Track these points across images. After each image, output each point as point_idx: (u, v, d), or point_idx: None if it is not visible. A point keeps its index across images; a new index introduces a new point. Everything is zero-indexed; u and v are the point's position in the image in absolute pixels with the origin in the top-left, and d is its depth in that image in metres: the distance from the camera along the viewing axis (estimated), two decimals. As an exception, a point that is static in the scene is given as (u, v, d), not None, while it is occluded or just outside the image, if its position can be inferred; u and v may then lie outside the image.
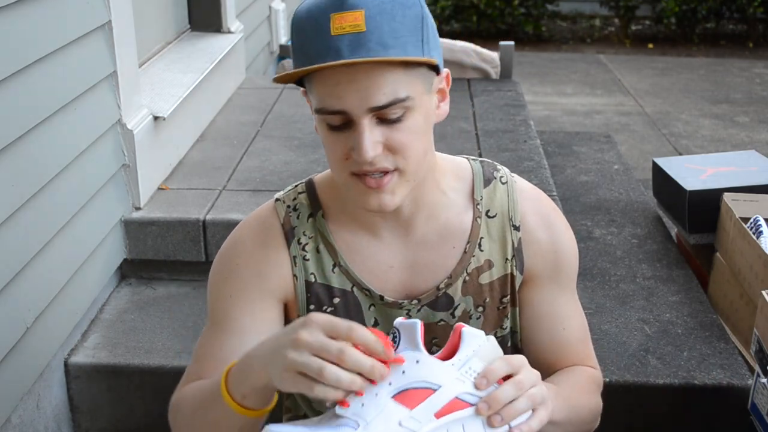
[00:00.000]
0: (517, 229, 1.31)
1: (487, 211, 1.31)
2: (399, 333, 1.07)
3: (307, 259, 1.29)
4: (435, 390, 1.05)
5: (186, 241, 2.58)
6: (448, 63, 4.08)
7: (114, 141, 2.48)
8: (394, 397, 1.04)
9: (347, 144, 1.15)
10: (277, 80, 1.18)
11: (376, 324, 1.30)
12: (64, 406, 2.25)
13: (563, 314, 1.35)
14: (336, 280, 1.29)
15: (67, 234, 2.19)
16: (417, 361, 1.05)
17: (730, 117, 5.81)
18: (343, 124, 1.14)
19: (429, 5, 8.39)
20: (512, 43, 4.26)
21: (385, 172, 1.16)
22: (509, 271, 1.31)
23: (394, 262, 1.30)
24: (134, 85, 2.62)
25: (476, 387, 1.06)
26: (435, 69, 1.19)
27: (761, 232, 2.45)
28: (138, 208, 2.61)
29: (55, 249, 2.13)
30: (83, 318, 2.34)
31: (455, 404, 1.05)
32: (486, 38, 8.08)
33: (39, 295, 2.05)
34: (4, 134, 1.88)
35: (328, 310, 1.29)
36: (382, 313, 1.30)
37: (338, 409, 1.04)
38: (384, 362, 1.03)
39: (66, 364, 2.23)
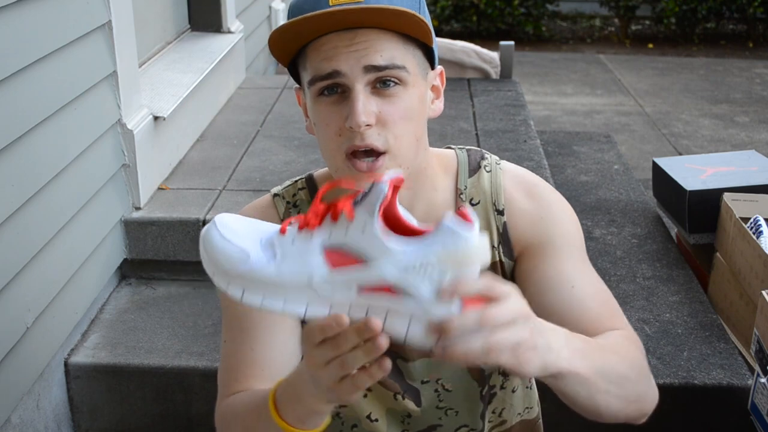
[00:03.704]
0: (501, 213, 1.27)
1: (471, 199, 1.28)
2: (369, 191, 0.93)
3: None
4: (365, 262, 0.92)
5: (186, 241, 2.58)
6: (448, 63, 4.08)
7: (114, 141, 2.48)
8: (326, 250, 0.93)
9: (341, 116, 1.12)
10: (273, 45, 1.14)
11: None
12: (64, 406, 2.25)
13: (568, 274, 1.23)
14: None
15: (67, 234, 2.19)
16: (362, 231, 0.92)
17: (730, 117, 5.82)
18: (335, 91, 1.13)
19: (429, 5, 8.39)
20: (512, 43, 4.26)
21: (377, 155, 1.13)
22: (497, 258, 1.27)
23: None
24: (134, 85, 2.62)
25: (438, 294, 0.89)
26: (430, 59, 1.19)
27: (761, 232, 2.45)
28: (138, 208, 2.61)
29: (55, 249, 2.13)
30: (83, 318, 2.34)
31: (386, 288, 0.92)
32: (486, 38, 8.08)
33: (39, 295, 2.05)
34: (4, 134, 1.88)
35: None
36: None
37: (276, 235, 0.97)
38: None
39: (66, 364, 2.23)
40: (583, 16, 9.37)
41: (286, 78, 4.12)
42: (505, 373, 1.34)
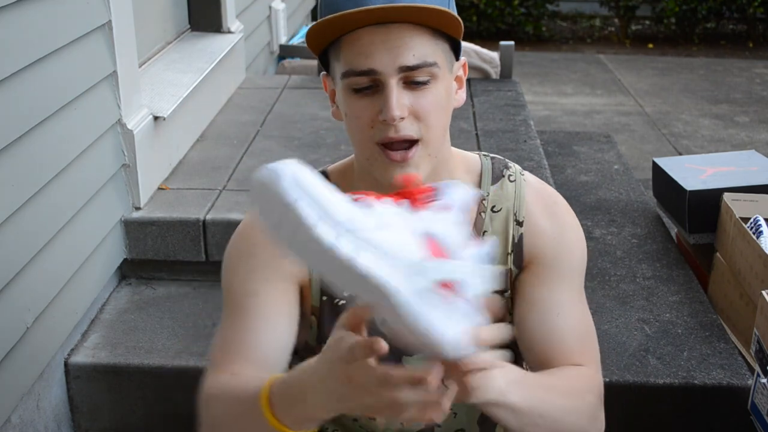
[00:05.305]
0: (520, 224, 1.31)
1: (493, 206, 1.32)
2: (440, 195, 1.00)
3: None
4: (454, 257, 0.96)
5: (186, 241, 2.58)
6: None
7: (114, 141, 2.48)
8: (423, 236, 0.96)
9: (374, 109, 1.17)
10: (309, 38, 1.18)
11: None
12: (64, 406, 2.25)
13: (559, 302, 1.29)
14: None
15: (67, 234, 2.19)
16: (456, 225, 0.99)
17: (730, 117, 5.82)
18: (369, 87, 1.17)
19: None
20: (512, 43, 4.26)
21: (410, 143, 1.18)
22: (509, 265, 1.31)
23: None
24: (134, 85, 2.62)
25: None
26: (455, 51, 1.23)
27: (761, 232, 2.45)
28: (138, 208, 2.61)
29: (55, 249, 2.13)
30: (83, 318, 2.34)
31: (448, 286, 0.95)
32: (486, 38, 8.08)
33: (39, 295, 2.05)
34: (4, 134, 1.88)
35: (341, 303, 1.28)
36: None
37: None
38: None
39: (66, 364, 2.23)
40: (583, 16, 9.37)
41: (286, 78, 4.12)
42: None
